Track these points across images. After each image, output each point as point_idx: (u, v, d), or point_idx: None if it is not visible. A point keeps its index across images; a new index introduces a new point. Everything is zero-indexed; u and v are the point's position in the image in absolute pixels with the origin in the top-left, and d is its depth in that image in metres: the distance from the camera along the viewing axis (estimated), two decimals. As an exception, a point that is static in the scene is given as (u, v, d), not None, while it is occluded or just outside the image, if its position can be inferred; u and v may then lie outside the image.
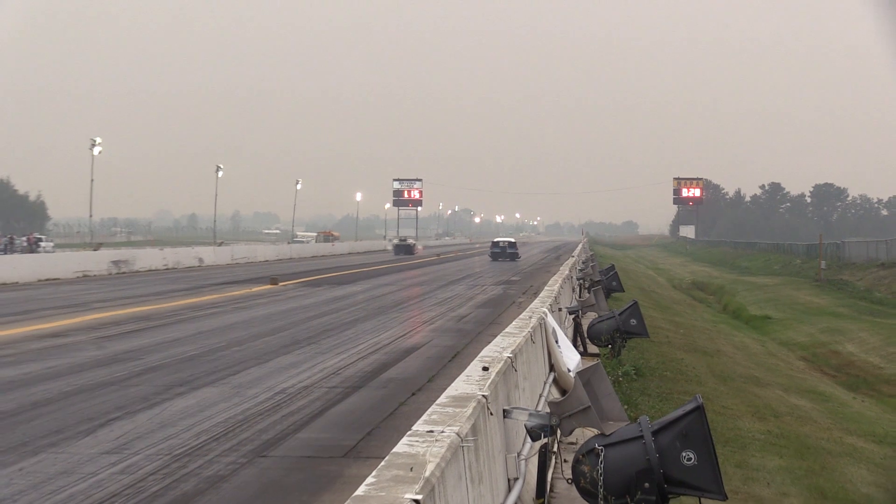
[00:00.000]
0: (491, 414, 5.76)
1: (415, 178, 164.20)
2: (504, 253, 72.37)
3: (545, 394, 9.51)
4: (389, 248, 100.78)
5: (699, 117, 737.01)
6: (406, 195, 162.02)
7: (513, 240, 77.07)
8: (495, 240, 76.98)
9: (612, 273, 33.22)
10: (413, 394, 13.40)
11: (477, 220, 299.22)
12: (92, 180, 67.46)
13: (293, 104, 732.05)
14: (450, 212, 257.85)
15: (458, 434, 4.52)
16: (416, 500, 3.40)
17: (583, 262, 38.95)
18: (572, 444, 9.55)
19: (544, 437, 6.70)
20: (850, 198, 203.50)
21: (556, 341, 10.79)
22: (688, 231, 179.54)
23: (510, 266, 60.87)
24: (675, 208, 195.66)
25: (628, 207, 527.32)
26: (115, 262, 46.11)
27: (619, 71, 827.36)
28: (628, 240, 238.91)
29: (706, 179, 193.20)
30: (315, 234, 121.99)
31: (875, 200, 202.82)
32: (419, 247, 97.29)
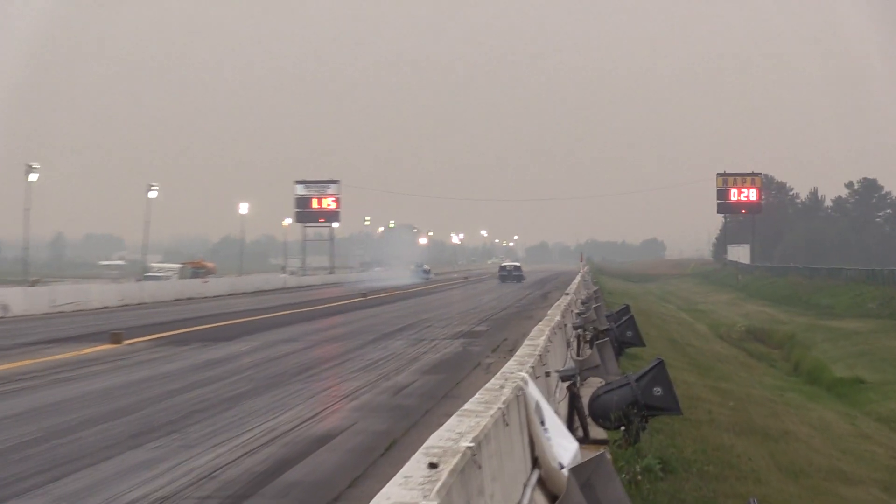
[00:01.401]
0: (441, 535, 5.75)
1: (328, 179, 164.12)
2: (511, 276, 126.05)
3: (525, 501, 9.48)
4: (291, 283, 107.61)
5: (752, 87, 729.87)
6: (315, 205, 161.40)
7: (518, 263, 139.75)
8: (503, 264, 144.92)
9: (626, 318, 33.25)
10: (327, 506, 13.27)
11: (423, 241, 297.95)
12: None
13: (142, 84, 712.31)
14: (382, 229, 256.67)
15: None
16: None
17: (582, 303, 38.92)
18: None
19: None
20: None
21: (542, 422, 10.86)
22: (739, 253, 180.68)
23: (475, 307, 63.17)
24: (719, 219, 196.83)
25: (650, 220, 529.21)
26: None
27: (635, 28, 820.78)
28: (651, 267, 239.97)
29: (766, 175, 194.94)
30: (179, 265, 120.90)
31: None
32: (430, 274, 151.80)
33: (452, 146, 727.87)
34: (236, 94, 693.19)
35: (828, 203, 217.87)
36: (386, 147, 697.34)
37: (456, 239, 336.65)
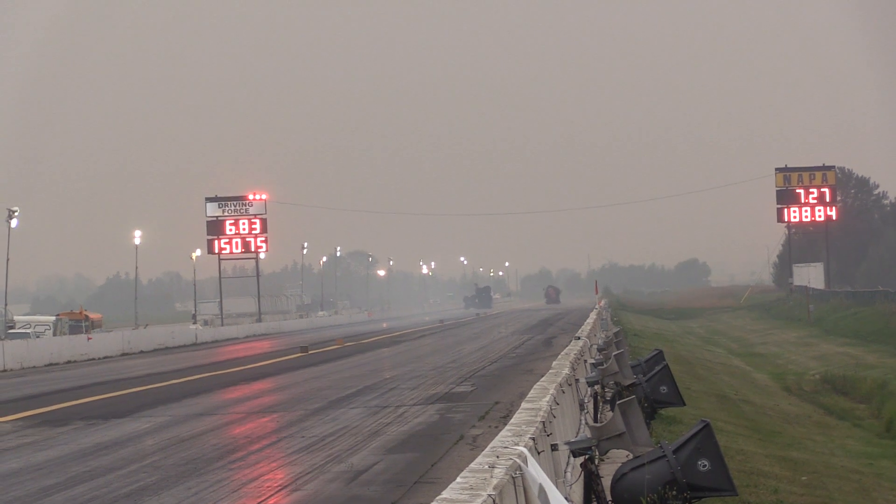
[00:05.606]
0: None
1: (251, 194, 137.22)
2: (552, 298, 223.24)
3: None
4: (205, 336, 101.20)
5: (814, 58, 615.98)
6: (233, 229, 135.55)
7: (558, 287, 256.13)
8: (548, 287, 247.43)
9: (659, 369, 30.96)
10: None
11: (381, 272, 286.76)
12: None
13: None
14: (324, 259, 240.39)
15: None
16: None
17: (599, 350, 36.93)
18: None
19: None
20: None
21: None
22: (810, 275, 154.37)
23: (454, 360, 59.13)
24: (780, 231, 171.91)
25: (687, 235, 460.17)
26: None
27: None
28: (691, 298, 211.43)
29: (842, 169, 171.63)
30: (53, 317, 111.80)
31: None
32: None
33: (418, 149, 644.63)
34: (134, 96, 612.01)
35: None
36: (327, 155, 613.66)
37: (425, 269, 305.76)
